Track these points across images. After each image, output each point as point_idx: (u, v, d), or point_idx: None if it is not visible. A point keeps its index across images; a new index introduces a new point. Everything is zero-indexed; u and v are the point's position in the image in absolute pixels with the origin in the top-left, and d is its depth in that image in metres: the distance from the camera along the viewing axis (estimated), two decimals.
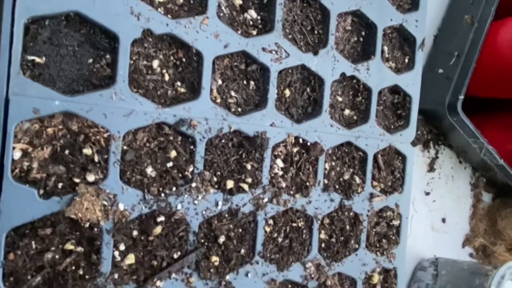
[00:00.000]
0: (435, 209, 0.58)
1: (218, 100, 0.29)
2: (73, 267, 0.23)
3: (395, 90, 0.39)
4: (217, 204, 0.28)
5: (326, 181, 0.34)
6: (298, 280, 0.33)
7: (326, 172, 0.34)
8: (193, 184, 0.27)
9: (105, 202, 0.24)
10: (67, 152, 0.23)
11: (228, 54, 0.28)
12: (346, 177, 0.36)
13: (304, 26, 0.33)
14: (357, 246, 0.36)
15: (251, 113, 0.30)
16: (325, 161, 0.34)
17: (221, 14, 0.28)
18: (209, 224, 0.28)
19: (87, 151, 0.23)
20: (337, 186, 0.35)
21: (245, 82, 0.30)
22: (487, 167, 0.56)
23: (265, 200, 0.31)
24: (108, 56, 0.24)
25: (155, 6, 0.25)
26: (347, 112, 0.36)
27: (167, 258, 0.27)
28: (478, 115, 0.51)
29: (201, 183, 0.28)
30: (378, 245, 0.38)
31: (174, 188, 0.27)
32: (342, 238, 0.35)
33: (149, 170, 0.26)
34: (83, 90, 0.24)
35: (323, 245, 0.34)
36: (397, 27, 0.38)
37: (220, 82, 0.29)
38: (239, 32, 0.29)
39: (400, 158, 0.40)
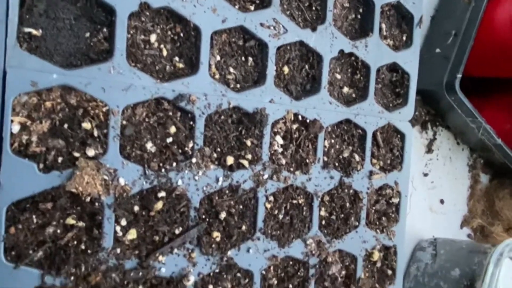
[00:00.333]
0: (433, 190, 0.59)
1: (217, 76, 0.29)
2: (75, 242, 0.23)
3: (393, 68, 0.39)
4: (217, 180, 0.28)
5: (325, 159, 0.34)
6: (299, 257, 0.33)
7: (326, 149, 0.34)
8: (193, 160, 0.27)
9: (105, 177, 0.24)
10: (66, 126, 0.23)
11: (226, 29, 0.28)
12: (346, 154, 0.36)
13: (302, 2, 0.32)
14: (357, 223, 0.37)
15: (250, 89, 0.30)
16: (325, 139, 0.34)
17: None
18: (210, 200, 0.28)
19: (86, 125, 0.23)
20: (336, 164, 0.35)
21: (243, 58, 0.30)
22: (484, 147, 0.56)
23: (265, 176, 0.31)
24: (105, 29, 0.24)
25: None
26: (345, 89, 0.36)
27: (168, 234, 0.27)
28: (476, 96, 0.51)
29: (201, 159, 0.27)
30: (378, 222, 0.38)
31: (174, 164, 0.27)
32: (342, 215, 0.36)
33: (149, 146, 0.26)
34: (81, 64, 0.23)
35: (323, 222, 0.35)
36: (394, 4, 0.38)
37: (218, 58, 0.29)
38: (236, 7, 0.29)
39: (399, 136, 0.40)
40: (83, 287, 0.23)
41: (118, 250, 0.25)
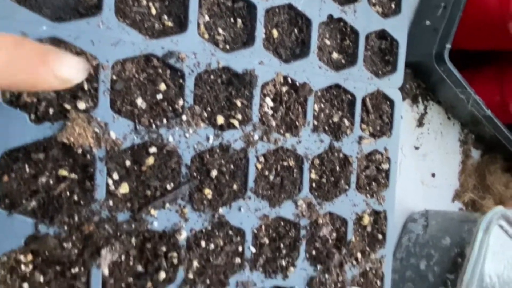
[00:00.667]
0: (425, 163, 0.59)
1: (206, 36, 0.29)
2: (68, 193, 0.24)
3: (382, 35, 0.40)
4: (208, 139, 0.29)
5: (315, 122, 0.35)
6: (290, 218, 0.34)
7: (315, 113, 0.35)
8: (184, 117, 0.28)
9: (96, 130, 0.24)
10: None
11: None
12: (335, 119, 0.36)
13: None
14: (347, 187, 0.37)
15: (239, 50, 0.30)
16: (314, 103, 0.35)
17: None
18: (201, 158, 0.29)
19: None
20: (326, 128, 0.36)
21: (232, 19, 0.30)
22: (475, 120, 0.57)
23: (256, 137, 0.31)
24: None
25: None
26: (335, 55, 0.36)
27: (160, 189, 0.27)
28: (466, 70, 0.52)
29: (192, 117, 0.28)
30: (368, 188, 0.39)
31: (165, 121, 0.27)
32: (333, 178, 0.36)
33: (139, 101, 0.26)
34: (70, 18, 0.24)
35: (313, 184, 0.35)
36: None
37: (207, 18, 0.29)
38: None
39: (388, 103, 0.40)
40: (77, 237, 0.24)
41: (111, 203, 0.25)
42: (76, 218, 0.24)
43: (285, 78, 0.33)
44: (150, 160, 0.27)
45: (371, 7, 0.37)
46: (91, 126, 0.24)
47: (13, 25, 0.22)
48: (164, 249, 0.27)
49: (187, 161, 0.28)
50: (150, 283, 0.27)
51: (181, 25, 0.28)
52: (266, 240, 0.33)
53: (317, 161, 0.35)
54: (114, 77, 0.25)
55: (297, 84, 0.33)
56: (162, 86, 0.27)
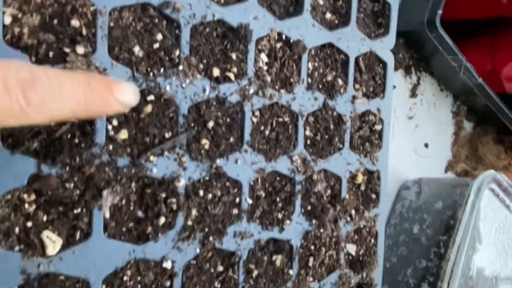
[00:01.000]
0: (418, 133, 0.60)
1: None
2: (69, 136, 0.25)
3: None
4: (204, 91, 0.30)
5: (309, 80, 0.36)
6: (285, 173, 0.34)
7: (309, 71, 0.36)
8: (180, 68, 0.28)
9: (96, 74, 0.25)
10: (55, 22, 0.24)
11: None
12: (329, 78, 0.37)
13: None
14: (341, 145, 0.38)
15: (234, 5, 0.31)
16: (308, 61, 0.35)
17: None
18: (198, 109, 0.30)
19: (75, 22, 0.24)
20: (320, 86, 0.37)
21: None
22: (467, 90, 0.58)
23: (251, 91, 0.32)
24: None
25: None
26: (328, 15, 0.37)
27: (159, 136, 0.28)
28: (457, 41, 0.53)
29: (188, 68, 0.29)
30: (361, 148, 0.40)
31: (162, 70, 0.28)
32: (327, 136, 0.37)
33: (136, 50, 0.27)
34: None
35: (308, 141, 0.36)
36: None
37: None
38: None
39: (381, 65, 0.41)
40: (78, 178, 0.25)
41: (111, 147, 0.26)
42: (77, 160, 0.25)
43: (279, 34, 0.33)
44: (148, 108, 0.27)
45: None
46: (90, 70, 0.24)
47: None
48: (163, 195, 0.28)
49: (184, 111, 0.29)
50: (150, 228, 0.28)
51: None
52: (263, 193, 0.33)
53: (311, 119, 0.36)
54: (112, 24, 0.26)
55: (291, 41, 0.34)
56: (159, 36, 0.28)
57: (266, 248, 0.34)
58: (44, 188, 0.24)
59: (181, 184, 0.29)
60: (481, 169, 0.66)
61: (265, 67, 0.33)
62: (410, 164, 0.59)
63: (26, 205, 0.24)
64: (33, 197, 0.24)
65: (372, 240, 0.41)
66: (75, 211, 0.25)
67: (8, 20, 0.22)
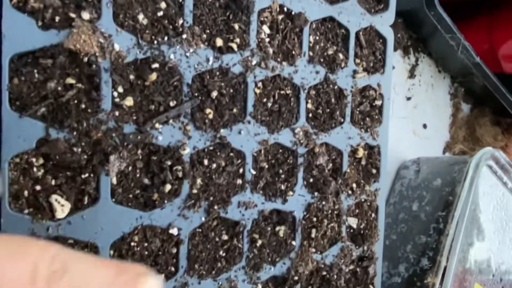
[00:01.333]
0: (416, 114, 0.61)
1: None
2: (75, 101, 0.25)
3: None
4: (208, 60, 0.30)
5: (311, 53, 0.36)
6: (288, 145, 0.35)
7: (311, 45, 0.36)
8: (184, 36, 0.29)
9: (101, 40, 0.25)
10: None
11: None
12: (330, 52, 0.37)
13: None
14: (342, 120, 0.38)
15: None
16: (310, 34, 0.36)
17: None
18: (202, 79, 0.30)
19: None
20: (321, 60, 0.37)
21: None
22: (465, 71, 0.58)
23: (254, 63, 0.32)
24: None
25: None
26: None
27: (164, 104, 0.28)
28: (457, 21, 0.53)
29: (192, 37, 0.29)
30: (362, 123, 0.40)
31: (166, 38, 0.28)
32: (328, 110, 0.38)
33: (141, 17, 0.27)
34: None
35: (310, 115, 0.36)
36: None
37: None
38: None
39: (380, 40, 0.41)
40: (85, 142, 0.25)
41: (117, 113, 0.26)
42: (84, 125, 0.25)
43: (281, 6, 0.34)
44: (153, 76, 0.27)
45: None
46: (95, 36, 0.25)
47: None
48: (169, 163, 0.28)
49: (188, 80, 0.29)
50: (156, 195, 0.28)
51: None
52: (266, 165, 0.34)
53: (313, 92, 0.36)
54: None
55: (293, 13, 0.34)
56: (163, 4, 0.28)
57: (269, 218, 0.34)
58: (52, 152, 0.24)
59: (186, 152, 0.29)
60: (478, 150, 0.67)
61: (267, 39, 0.33)
62: (409, 144, 0.59)
63: (35, 169, 0.24)
64: (41, 161, 0.24)
65: (373, 214, 0.42)
66: (83, 176, 0.25)
67: None
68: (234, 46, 0.31)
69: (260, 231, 0.34)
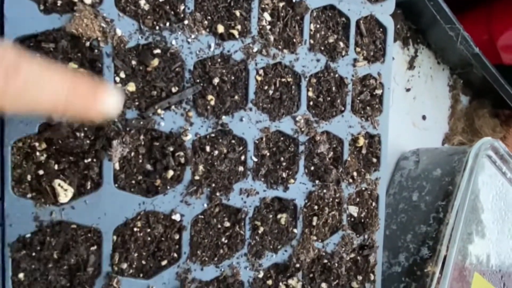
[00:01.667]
0: (416, 105, 0.61)
1: None
2: None
3: None
4: (209, 47, 0.30)
5: (311, 41, 0.36)
6: (289, 133, 0.35)
7: (311, 33, 0.36)
8: (185, 22, 0.28)
9: (103, 24, 0.25)
10: None
11: None
12: (331, 40, 0.37)
13: None
14: (343, 108, 0.39)
15: None
16: (310, 22, 0.36)
17: None
18: (203, 65, 0.30)
19: None
20: (322, 48, 0.37)
21: None
22: (463, 62, 0.58)
23: (255, 50, 0.32)
24: None
25: None
26: None
27: (166, 90, 0.28)
28: (456, 12, 0.53)
29: (193, 23, 0.29)
30: (362, 112, 0.41)
31: (167, 24, 0.28)
32: (329, 98, 0.38)
33: (142, 2, 0.27)
34: None
35: (311, 103, 0.36)
36: None
37: None
38: None
39: (381, 29, 0.41)
40: (88, 127, 0.25)
41: None
42: None
43: None
44: (155, 62, 0.27)
45: None
46: (97, 20, 0.25)
47: None
48: (171, 148, 0.28)
49: (190, 66, 0.29)
50: (159, 180, 0.28)
51: None
52: (267, 152, 0.34)
53: (314, 80, 0.36)
54: None
55: (294, 0, 0.34)
56: None
57: (271, 206, 0.34)
58: (55, 137, 0.24)
59: (188, 138, 0.29)
60: (476, 141, 0.67)
61: (268, 26, 0.33)
62: (409, 136, 0.60)
63: (38, 153, 0.24)
64: (44, 145, 0.24)
65: (374, 203, 0.42)
66: (86, 161, 0.25)
67: None
68: (236, 33, 0.31)
69: (261, 219, 0.34)
